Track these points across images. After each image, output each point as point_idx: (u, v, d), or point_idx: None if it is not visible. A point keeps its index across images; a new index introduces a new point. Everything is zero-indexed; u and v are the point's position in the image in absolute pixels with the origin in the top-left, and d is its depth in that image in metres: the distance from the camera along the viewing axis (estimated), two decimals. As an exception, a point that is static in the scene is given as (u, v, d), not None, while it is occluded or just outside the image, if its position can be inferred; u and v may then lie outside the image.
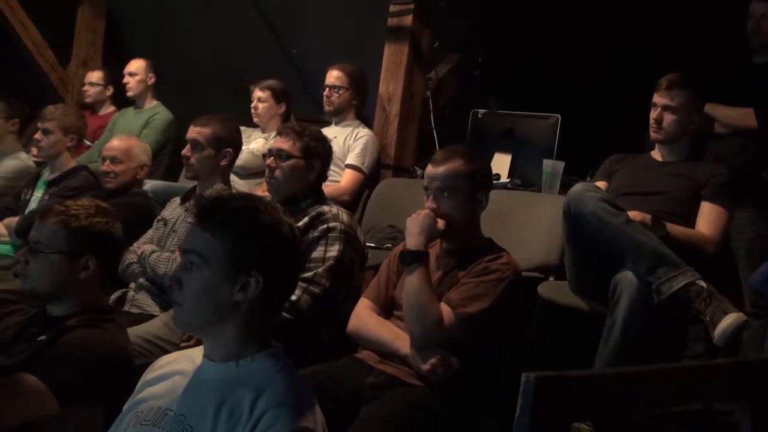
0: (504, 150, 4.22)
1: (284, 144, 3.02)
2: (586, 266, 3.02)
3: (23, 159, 4.54)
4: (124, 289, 3.31)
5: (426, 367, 2.46)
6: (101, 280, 2.29)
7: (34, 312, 2.32)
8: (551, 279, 3.38)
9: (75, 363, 2.06)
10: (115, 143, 3.90)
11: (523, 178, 4.06)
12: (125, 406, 1.84)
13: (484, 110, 4.32)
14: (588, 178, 3.65)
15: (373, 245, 3.70)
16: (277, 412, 1.61)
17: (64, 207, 2.27)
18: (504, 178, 4.11)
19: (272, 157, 3.03)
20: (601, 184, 3.36)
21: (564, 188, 3.66)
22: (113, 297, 3.27)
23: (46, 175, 4.21)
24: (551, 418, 1.58)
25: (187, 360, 1.83)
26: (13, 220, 4.01)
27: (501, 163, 4.20)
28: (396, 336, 2.59)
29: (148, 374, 1.88)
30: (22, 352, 2.14)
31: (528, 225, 3.58)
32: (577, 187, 2.98)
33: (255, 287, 1.69)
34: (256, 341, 1.73)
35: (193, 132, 3.34)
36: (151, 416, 1.75)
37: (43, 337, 2.15)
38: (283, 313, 2.76)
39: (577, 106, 4.07)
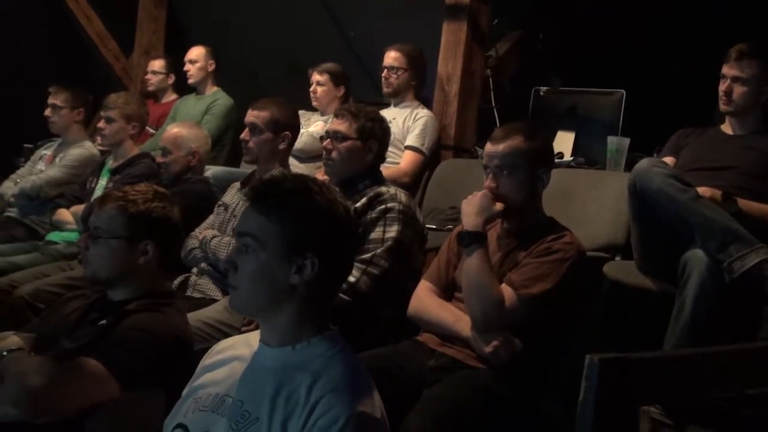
0: (567, 128, 4.13)
1: (340, 126, 3.00)
2: (654, 245, 2.92)
3: (88, 147, 4.61)
4: (187, 274, 3.33)
5: (488, 349, 2.42)
6: (160, 264, 2.30)
7: (96, 297, 2.34)
8: (617, 259, 3.29)
9: (134, 347, 2.08)
10: (166, 133, 3.91)
11: (587, 155, 3.96)
12: (184, 391, 1.84)
13: (546, 88, 4.22)
14: (655, 155, 3.54)
15: (434, 227, 3.66)
16: (334, 396, 1.58)
17: (122, 192, 2.28)
18: (567, 157, 4.02)
19: (329, 139, 3.00)
20: (669, 159, 3.25)
21: (629, 165, 3.55)
22: (176, 282, 3.30)
23: (110, 163, 4.26)
24: (617, 401, 1.53)
25: (245, 344, 1.82)
26: (79, 208, 4.07)
27: (564, 141, 4.11)
28: (457, 318, 2.55)
29: (207, 359, 1.87)
30: (84, 336, 2.16)
31: (593, 204, 3.48)
32: (643, 163, 2.89)
33: (311, 269, 1.66)
34: (312, 325, 1.70)
35: (251, 116, 3.34)
36: (210, 402, 1.74)
37: (104, 322, 2.17)
38: (342, 296, 2.74)
39: (643, 80, 3.96)
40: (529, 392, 2.44)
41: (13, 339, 2.25)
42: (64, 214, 4.18)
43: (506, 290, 2.45)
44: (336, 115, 3.06)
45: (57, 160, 4.61)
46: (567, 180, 3.54)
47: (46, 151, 4.77)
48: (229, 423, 1.66)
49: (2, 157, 5.15)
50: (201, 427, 1.71)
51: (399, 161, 4.20)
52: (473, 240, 2.50)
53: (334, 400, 1.58)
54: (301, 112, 4.71)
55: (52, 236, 4.17)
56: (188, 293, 3.25)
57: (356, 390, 1.62)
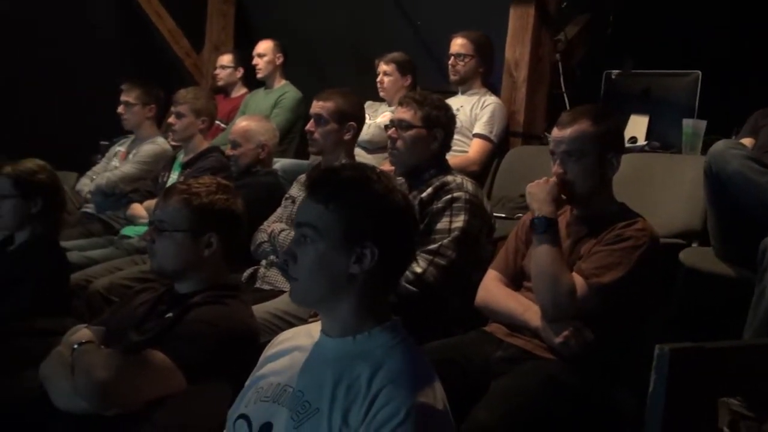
0: (640, 111, 4.03)
1: (405, 114, 2.96)
2: (731, 230, 2.81)
3: (160, 143, 4.67)
4: (256, 267, 3.35)
5: (558, 339, 2.36)
6: (225, 256, 2.30)
7: (164, 290, 2.36)
8: (694, 245, 3.18)
9: (199, 340, 2.09)
10: (235, 126, 3.94)
11: (662, 139, 3.86)
12: (247, 382, 1.84)
13: (617, 71, 4.13)
14: (733, 137, 3.41)
15: (503, 215, 3.60)
16: (395, 387, 1.56)
17: (186, 186, 2.30)
18: (641, 141, 3.92)
19: (393, 128, 2.97)
20: (747, 141, 3.13)
21: (706, 149, 3.44)
22: (245, 274, 3.33)
23: (181, 157, 4.32)
24: (691, 393, 1.46)
25: (306, 335, 1.80)
26: (152, 203, 4.12)
27: (638, 125, 4.01)
28: (526, 308, 2.49)
29: (269, 350, 1.87)
30: (152, 329, 2.18)
31: (668, 189, 3.38)
32: (719, 145, 2.78)
33: (370, 259, 1.64)
34: (373, 315, 1.67)
35: (316, 107, 3.34)
36: (271, 392, 1.74)
37: (170, 315, 2.18)
38: (409, 286, 2.71)
39: (719, 60, 3.82)
40: (601, 384, 2.37)
41: (83, 332, 2.28)
42: (138, 209, 4.25)
43: (576, 279, 2.39)
44: (400, 104, 3.02)
45: (130, 156, 4.69)
46: (641, 165, 3.45)
47: (120, 148, 4.86)
48: (289, 413, 1.65)
49: (80, 154, 5.27)
50: (262, 418, 1.71)
51: (467, 150, 4.15)
52: (548, 226, 2.43)
53: (394, 392, 1.55)
54: (368, 103, 4.72)
55: (127, 231, 4.25)
56: (257, 285, 3.27)
57: (417, 381, 1.58)
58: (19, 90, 5.82)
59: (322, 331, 1.72)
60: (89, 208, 4.65)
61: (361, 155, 4.37)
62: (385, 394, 1.55)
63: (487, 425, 2.14)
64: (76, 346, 2.16)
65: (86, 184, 4.74)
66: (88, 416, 2.06)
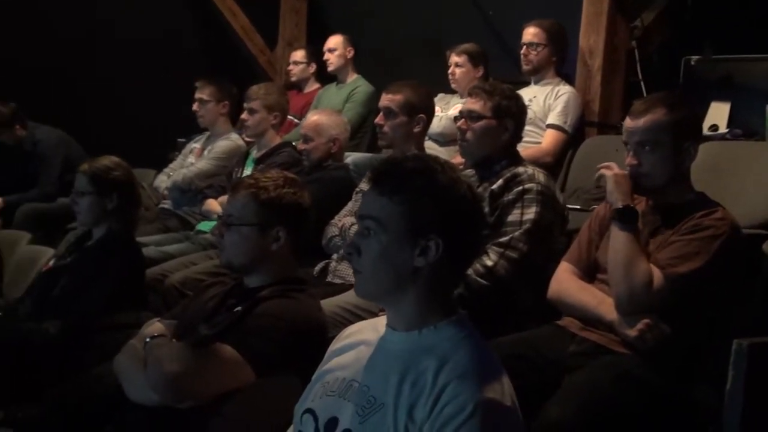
0: (721, 98, 3.91)
1: (474, 104, 2.91)
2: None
3: (234, 139, 4.72)
4: (327, 261, 3.35)
5: (633, 333, 2.29)
6: (293, 250, 2.30)
7: (233, 283, 2.38)
8: (779, 236, 3.05)
9: (267, 333, 2.09)
10: (307, 121, 3.95)
11: (744, 127, 3.74)
12: (314, 376, 1.83)
13: (697, 57, 4.00)
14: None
15: (577, 207, 3.52)
16: (461, 382, 1.52)
17: (254, 180, 2.30)
18: (722, 129, 3.79)
19: (463, 119, 2.93)
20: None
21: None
22: (317, 268, 3.33)
23: (254, 153, 4.36)
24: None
25: (373, 329, 1.78)
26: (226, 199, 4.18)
27: (719, 113, 3.88)
28: (600, 301, 2.42)
29: (335, 344, 1.85)
30: (221, 323, 2.19)
31: (751, 178, 3.25)
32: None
33: (435, 251, 1.60)
34: (439, 308, 1.64)
35: (385, 99, 3.32)
36: (337, 387, 1.72)
37: (239, 308, 2.19)
38: (480, 280, 2.67)
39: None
40: (679, 379, 2.29)
41: (156, 326, 2.32)
42: (212, 204, 4.31)
43: (653, 270, 2.31)
44: (470, 94, 2.98)
45: (205, 152, 4.75)
46: (722, 154, 3.33)
47: (196, 145, 4.93)
48: (355, 408, 1.64)
49: (159, 152, 5.38)
50: (328, 412, 1.69)
51: (540, 141, 4.07)
52: (631, 217, 2.36)
53: (461, 387, 1.52)
54: (440, 96, 4.69)
55: (202, 226, 4.31)
56: (328, 279, 3.27)
57: (485, 376, 1.55)
58: (99, 90, 5.99)
59: (388, 325, 1.70)
60: (166, 204, 4.74)
61: (432, 148, 4.34)
62: (451, 389, 1.52)
63: (560, 421, 2.09)
64: (148, 340, 2.19)
65: (163, 181, 4.84)
66: (160, 409, 2.09)
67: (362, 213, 1.67)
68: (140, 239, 4.18)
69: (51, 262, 3.38)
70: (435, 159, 1.69)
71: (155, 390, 2.06)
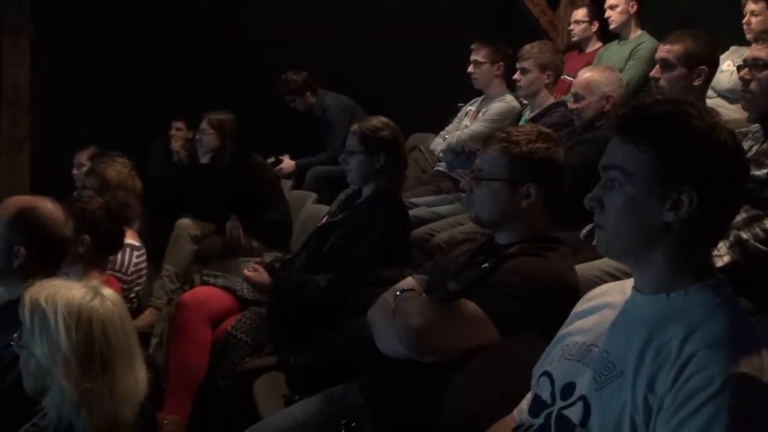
0: None
1: (760, 51, 2.60)
2: None
3: (508, 101, 4.65)
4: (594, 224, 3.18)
5: None
6: (544, 208, 2.20)
7: (484, 240, 2.33)
8: None
9: (513, 291, 2.01)
10: (578, 78, 3.76)
11: None
12: (555, 338, 1.73)
13: None
14: None
15: None
16: (711, 353, 1.35)
17: (506, 134, 2.22)
18: None
19: (747, 68, 2.62)
20: None
21: None
22: (584, 231, 3.17)
23: (527, 113, 4.26)
24: None
25: (619, 291, 1.65)
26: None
27: None
28: None
29: (579, 306, 1.74)
30: (468, 278, 2.15)
31: None
32: None
33: (688, 205, 1.44)
34: (691, 270, 1.47)
35: (662, 51, 3.08)
36: (576, 351, 1.61)
37: (486, 265, 2.14)
38: (759, 246, 2.39)
39: None
40: None
41: (408, 280, 2.34)
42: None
43: None
44: (756, 40, 2.66)
45: (480, 114, 4.72)
46: None
47: (471, 107, 4.92)
48: (593, 374, 1.52)
49: (442, 116, 5.45)
50: (565, 376, 1.59)
51: None
52: None
53: (710, 358, 1.35)
54: (732, 48, 4.30)
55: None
56: (594, 243, 3.10)
57: (740, 348, 1.36)
58: (386, 56, 6.19)
59: (634, 287, 1.56)
60: (441, 166, 4.79)
61: (722, 105, 3.98)
62: (698, 360, 1.35)
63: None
64: (398, 293, 2.20)
65: (438, 144, 4.88)
66: (407, 362, 2.09)
67: (606, 163, 1.54)
68: (413, 200, 4.29)
69: (324, 219, 3.53)
70: (690, 103, 1.51)
71: (400, 342, 2.06)
